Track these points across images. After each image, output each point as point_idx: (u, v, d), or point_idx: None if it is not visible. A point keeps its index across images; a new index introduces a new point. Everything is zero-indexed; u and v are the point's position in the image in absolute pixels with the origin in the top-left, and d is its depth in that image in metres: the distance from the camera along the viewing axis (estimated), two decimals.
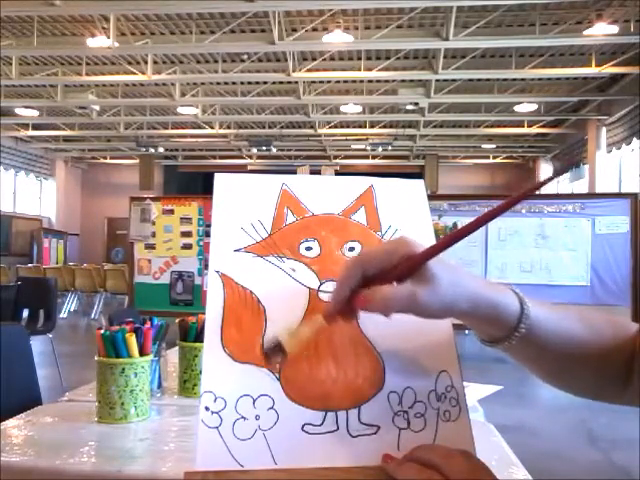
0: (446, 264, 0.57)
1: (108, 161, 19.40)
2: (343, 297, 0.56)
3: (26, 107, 13.43)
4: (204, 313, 0.61)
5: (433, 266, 0.56)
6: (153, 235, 7.23)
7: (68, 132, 15.50)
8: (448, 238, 0.56)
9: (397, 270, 0.56)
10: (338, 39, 8.92)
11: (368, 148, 15.97)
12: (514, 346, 0.61)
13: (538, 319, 0.60)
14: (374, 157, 18.13)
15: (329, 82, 11.71)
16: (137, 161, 17.73)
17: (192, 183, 18.71)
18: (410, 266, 0.56)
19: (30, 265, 13.70)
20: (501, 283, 0.61)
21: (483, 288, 0.58)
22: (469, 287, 0.57)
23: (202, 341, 0.60)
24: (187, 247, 7.18)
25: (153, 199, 7.49)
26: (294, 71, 10.31)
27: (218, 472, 0.54)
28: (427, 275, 0.56)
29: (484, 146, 16.64)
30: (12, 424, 1.30)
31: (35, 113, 13.78)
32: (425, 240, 0.71)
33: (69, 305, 11.28)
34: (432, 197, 7.36)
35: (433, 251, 0.56)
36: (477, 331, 0.64)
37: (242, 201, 0.68)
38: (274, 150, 16.07)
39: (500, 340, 0.61)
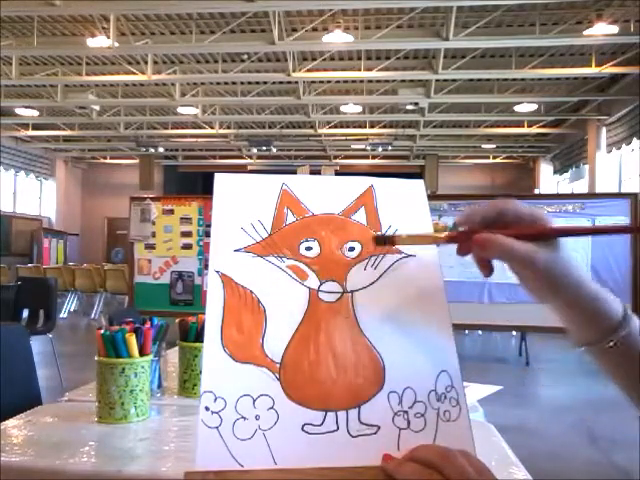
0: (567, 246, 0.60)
1: (108, 161, 19.39)
2: (471, 219, 0.59)
3: (26, 107, 13.42)
4: (204, 313, 0.61)
5: (561, 240, 0.59)
6: (153, 235, 7.23)
7: (68, 132, 15.50)
8: (584, 229, 0.59)
9: (530, 229, 0.58)
10: (338, 39, 8.92)
11: (368, 148, 15.96)
12: (608, 353, 0.59)
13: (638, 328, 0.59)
14: (374, 157, 18.12)
15: (329, 82, 11.71)
16: (137, 161, 17.73)
17: (192, 183, 18.70)
18: (543, 232, 0.59)
19: (30, 265, 13.69)
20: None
21: (591, 281, 0.59)
22: (582, 273, 0.59)
23: (202, 341, 0.60)
24: (187, 247, 7.18)
25: (153, 199, 7.49)
26: (294, 71, 10.31)
27: (218, 472, 0.54)
28: (553, 242, 0.58)
29: (484, 146, 16.64)
30: (12, 424, 1.30)
31: (35, 113, 13.77)
32: None
33: (69, 305, 11.28)
34: (432, 197, 7.36)
35: (568, 231, 0.59)
36: (573, 329, 0.62)
37: (242, 201, 0.68)
38: (274, 150, 16.07)
39: (595, 342, 0.60)
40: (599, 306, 0.58)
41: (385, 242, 0.66)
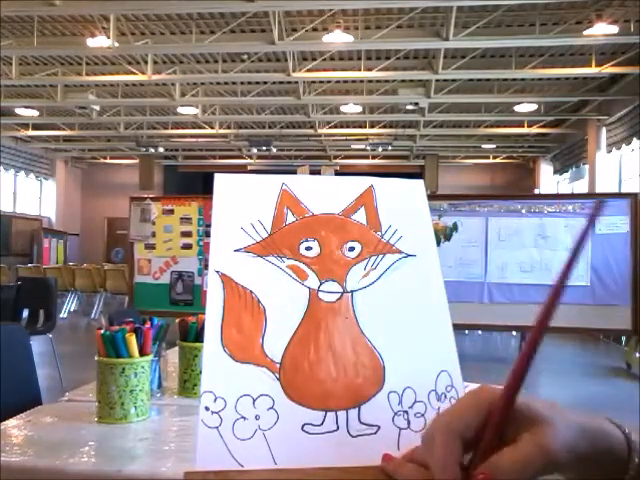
0: (542, 401, 0.48)
1: (108, 161, 19.39)
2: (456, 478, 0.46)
3: (26, 107, 13.42)
4: (204, 313, 0.61)
5: (533, 406, 0.47)
6: (153, 235, 7.23)
7: (68, 132, 15.49)
8: (522, 362, 0.47)
9: (492, 421, 0.47)
10: (338, 39, 8.92)
11: (368, 148, 15.95)
12: None
13: None
14: (374, 157, 18.12)
15: (329, 82, 11.71)
16: (137, 161, 17.73)
17: (192, 183, 18.70)
18: (502, 410, 0.47)
19: (30, 265, 13.69)
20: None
21: (583, 417, 0.49)
22: (577, 420, 0.48)
23: (202, 341, 0.60)
24: (187, 247, 7.18)
25: (153, 199, 7.50)
26: (294, 71, 10.31)
27: (218, 472, 0.54)
28: (538, 419, 0.46)
29: (484, 146, 16.63)
30: (12, 424, 1.30)
31: (35, 113, 13.77)
32: (425, 240, 0.71)
33: (69, 305, 11.28)
34: (432, 197, 7.36)
35: (515, 382, 0.47)
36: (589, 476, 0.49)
37: (242, 201, 0.68)
38: (274, 150, 16.06)
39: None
40: (609, 438, 0.49)
41: None
